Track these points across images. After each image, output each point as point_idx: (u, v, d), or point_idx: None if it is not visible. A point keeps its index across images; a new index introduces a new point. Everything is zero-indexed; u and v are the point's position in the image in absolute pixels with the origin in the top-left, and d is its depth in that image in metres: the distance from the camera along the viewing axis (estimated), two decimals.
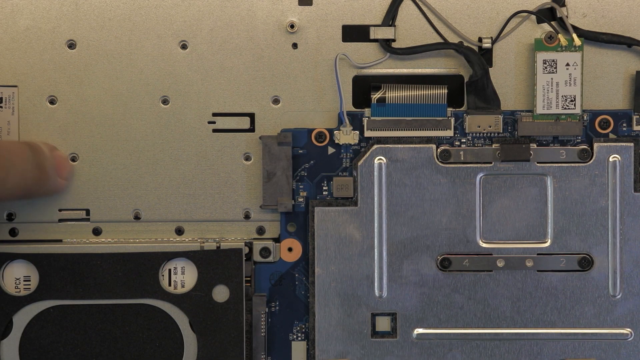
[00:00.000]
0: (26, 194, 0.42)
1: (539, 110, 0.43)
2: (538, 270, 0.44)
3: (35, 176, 0.41)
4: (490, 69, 0.44)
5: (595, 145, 0.44)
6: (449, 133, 0.44)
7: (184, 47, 0.43)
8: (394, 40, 0.44)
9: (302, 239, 0.44)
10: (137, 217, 0.44)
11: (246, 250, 0.44)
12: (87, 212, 0.44)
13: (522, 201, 0.44)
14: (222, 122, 0.44)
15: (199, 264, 0.43)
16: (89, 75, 0.44)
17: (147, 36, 0.43)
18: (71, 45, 0.43)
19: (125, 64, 0.43)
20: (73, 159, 0.44)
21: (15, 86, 0.44)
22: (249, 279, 0.44)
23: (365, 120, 0.44)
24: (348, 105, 0.44)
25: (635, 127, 0.44)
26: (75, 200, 0.44)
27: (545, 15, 0.44)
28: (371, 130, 0.44)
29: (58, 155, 0.43)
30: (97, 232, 0.44)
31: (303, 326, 0.45)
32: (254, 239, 0.44)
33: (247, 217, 0.44)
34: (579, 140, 0.44)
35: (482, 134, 0.44)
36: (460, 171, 0.44)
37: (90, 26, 0.43)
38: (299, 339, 0.45)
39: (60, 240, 0.44)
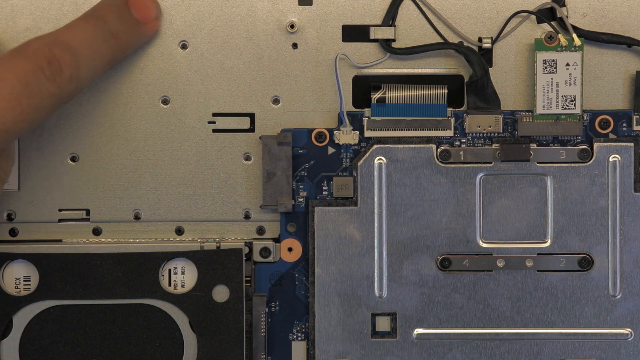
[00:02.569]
0: (110, 66, 0.42)
1: (539, 110, 0.43)
2: (538, 270, 0.44)
3: (111, 48, 0.41)
4: (490, 69, 0.44)
5: (595, 145, 0.44)
6: (449, 133, 0.44)
7: (184, 47, 0.44)
8: (394, 40, 0.44)
9: (302, 239, 0.44)
10: (137, 217, 0.44)
11: (246, 250, 0.44)
12: (87, 212, 0.44)
13: (522, 201, 0.44)
14: (222, 122, 0.44)
15: (199, 264, 0.43)
16: None
17: None
18: None
19: (125, 64, 0.43)
20: (73, 159, 0.44)
21: None
22: (249, 279, 0.44)
23: (365, 120, 0.44)
24: (348, 105, 0.44)
25: (635, 127, 0.44)
26: (75, 200, 0.44)
27: (545, 15, 0.44)
28: (371, 130, 0.44)
29: (135, 1, 0.42)
30: (97, 232, 0.44)
31: (303, 326, 0.45)
32: (254, 239, 0.44)
33: (247, 217, 0.44)
34: (579, 140, 0.44)
35: (482, 134, 0.44)
36: (460, 171, 0.44)
37: None
38: (299, 339, 0.45)
39: (60, 240, 0.44)
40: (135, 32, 0.42)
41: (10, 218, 0.44)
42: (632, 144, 0.43)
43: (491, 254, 0.44)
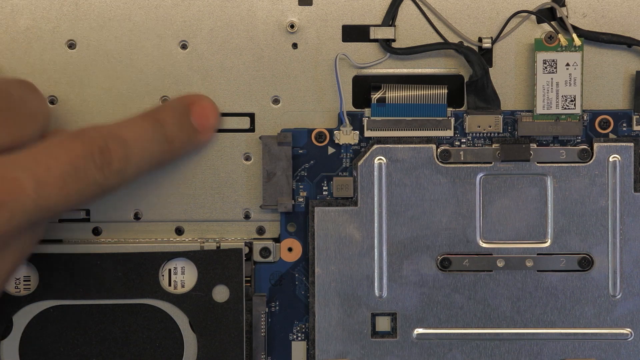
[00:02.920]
0: (157, 168, 0.43)
1: (539, 110, 0.43)
2: (538, 270, 0.44)
3: (163, 151, 0.42)
4: (490, 69, 0.44)
5: (595, 145, 0.44)
6: (449, 133, 0.44)
7: (184, 47, 0.44)
8: (394, 40, 0.44)
9: (302, 239, 0.44)
10: (137, 217, 0.44)
11: (246, 250, 0.44)
12: (87, 212, 0.44)
13: (522, 201, 0.44)
14: (222, 122, 0.44)
15: (199, 264, 0.43)
16: (89, 75, 0.44)
17: (147, 36, 0.44)
18: (71, 45, 0.44)
19: (125, 64, 0.44)
20: None
21: None
22: (249, 279, 0.44)
23: (365, 120, 0.44)
24: (348, 105, 0.44)
25: (635, 127, 0.44)
26: None
27: (545, 15, 0.44)
28: (371, 130, 0.44)
29: (197, 106, 0.43)
30: (97, 232, 0.44)
31: (303, 326, 0.45)
32: (254, 239, 0.45)
33: (247, 217, 0.45)
34: (579, 140, 0.44)
35: (482, 134, 0.44)
36: (460, 171, 0.44)
37: (90, 26, 0.44)
38: (299, 339, 0.45)
39: (61, 240, 0.44)
40: (191, 141, 0.43)
41: None
42: (632, 144, 0.44)
43: (491, 254, 0.44)
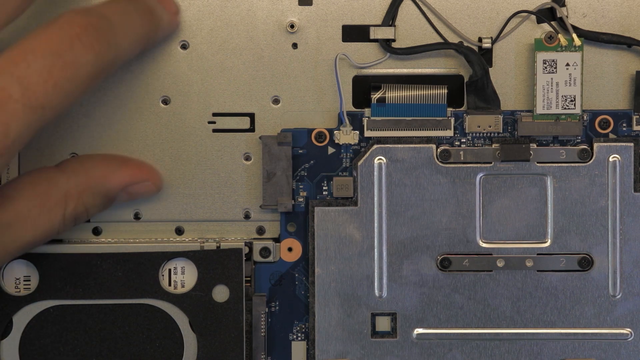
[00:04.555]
0: (145, 43, 0.41)
1: (539, 110, 0.43)
2: (538, 270, 0.44)
3: (145, 22, 0.40)
4: (490, 69, 0.44)
5: (595, 145, 0.44)
6: (449, 133, 0.44)
7: (183, 47, 0.44)
8: (394, 40, 0.44)
9: (302, 239, 0.45)
10: (137, 217, 0.44)
11: (246, 250, 0.44)
12: None
13: (522, 201, 0.44)
14: (222, 122, 0.44)
15: (199, 264, 0.43)
16: None
17: None
18: None
19: (125, 64, 0.44)
20: None
21: None
22: (249, 279, 0.44)
23: (365, 120, 0.44)
24: (348, 105, 0.44)
25: (635, 127, 0.44)
26: None
27: (545, 15, 0.44)
28: (371, 130, 0.44)
29: None
30: (97, 232, 0.45)
31: (303, 326, 0.45)
32: (254, 239, 0.45)
33: (247, 217, 0.45)
34: (579, 140, 0.44)
35: (482, 134, 0.44)
36: (460, 171, 0.44)
37: None
38: (299, 339, 0.45)
39: (61, 240, 0.44)
40: (164, 15, 0.42)
41: None
42: (632, 144, 0.44)
43: (491, 254, 0.44)
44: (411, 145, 0.44)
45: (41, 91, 0.36)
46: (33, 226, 0.39)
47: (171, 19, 0.42)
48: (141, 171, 0.43)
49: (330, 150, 0.44)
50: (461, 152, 0.44)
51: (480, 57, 0.43)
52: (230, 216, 0.45)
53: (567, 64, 0.43)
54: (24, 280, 0.43)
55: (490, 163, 0.44)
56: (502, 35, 0.44)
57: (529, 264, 0.44)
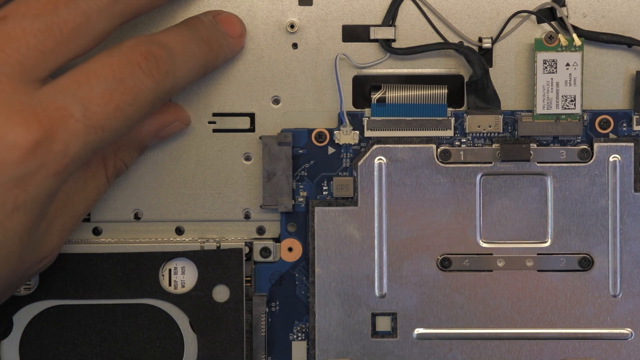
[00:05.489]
0: (203, 72, 0.42)
1: (539, 110, 0.43)
2: (538, 270, 0.44)
3: (203, 52, 0.42)
4: (490, 69, 0.44)
5: (595, 145, 0.44)
6: (449, 133, 0.44)
7: None
8: (394, 40, 0.44)
9: (302, 239, 0.45)
10: (137, 217, 0.45)
11: (246, 250, 0.44)
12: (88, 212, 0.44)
13: (522, 201, 0.44)
14: (222, 122, 0.44)
15: (199, 264, 0.44)
16: None
17: None
18: None
19: None
20: None
21: None
22: (249, 279, 0.44)
23: (365, 120, 0.44)
24: (348, 105, 0.44)
25: (636, 127, 0.44)
26: None
27: (546, 15, 0.44)
28: (371, 130, 0.44)
29: (222, 17, 0.43)
30: (97, 232, 0.45)
31: (303, 326, 0.45)
32: (254, 239, 0.45)
33: (247, 217, 0.45)
34: (579, 140, 0.44)
35: (482, 134, 0.44)
36: (460, 171, 0.44)
37: None
38: (299, 339, 0.45)
39: None
40: (225, 42, 0.43)
41: None
42: (632, 144, 0.44)
43: (491, 254, 0.44)
44: (411, 146, 0.44)
45: (102, 113, 0.37)
46: (83, 196, 0.41)
47: (234, 43, 0.43)
48: (168, 114, 0.43)
49: (331, 150, 0.44)
50: (461, 152, 0.44)
51: (481, 57, 0.43)
52: (231, 216, 0.45)
53: (567, 64, 0.43)
54: (27, 281, 0.42)
55: (491, 163, 0.44)
56: (502, 35, 0.44)
57: (529, 263, 0.44)
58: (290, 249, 0.45)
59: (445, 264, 0.44)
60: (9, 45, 0.37)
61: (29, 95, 0.37)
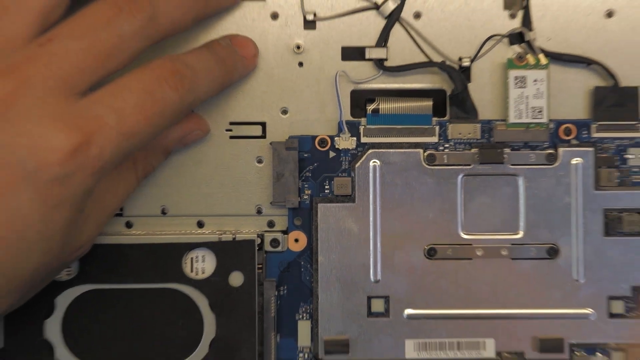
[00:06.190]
0: (221, 87, 0.44)
1: (512, 119, 0.45)
2: (512, 258, 0.46)
3: (221, 71, 0.43)
4: (469, 84, 0.46)
5: (560, 150, 0.45)
6: (434, 139, 0.46)
7: None
8: (386, 60, 0.46)
9: (307, 232, 0.46)
10: (163, 212, 0.46)
11: (258, 241, 0.45)
12: (121, 208, 0.46)
13: (498, 198, 0.46)
14: (238, 130, 0.46)
15: (217, 253, 0.45)
16: None
17: None
18: None
19: None
20: None
21: None
22: (260, 266, 0.45)
23: (361, 128, 0.46)
24: (347, 115, 0.46)
25: (594, 134, 0.46)
26: None
27: (516, 38, 0.46)
28: (367, 137, 0.46)
29: (238, 40, 0.44)
30: (129, 225, 0.46)
31: (308, 307, 0.46)
32: (265, 231, 0.46)
33: (259, 212, 0.46)
34: (546, 146, 0.46)
35: (462, 140, 0.46)
36: (444, 172, 0.46)
37: None
38: (304, 318, 0.46)
39: None
40: (241, 64, 0.45)
41: None
42: (592, 149, 0.45)
43: (471, 244, 0.46)
44: (401, 150, 0.45)
45: (134, 121, 0.38)
46: (116, 194, 0.43)
47: (247, 63, 0.45)
48: (191, 123, 0.45)
49: (332, 154, 0.46)
50: (445, 156, 0.46)
51: (461, 74, 0.45)
52: (245, 211, 0.46)
53: (535, 80, 0.45)
54: (66, 267, 0.45)
55: (470, 165, 0.46)
56: (479, 55, 0.46)
57: (503, 252, 0.46)
58: (296, 240, 0.46)
59: (431, 253, 0.46)
60: (54, 63, 0.38)
61: (70, 106, 0.38)
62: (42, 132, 0.37)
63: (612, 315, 0.46)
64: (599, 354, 0.46)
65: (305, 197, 0.46)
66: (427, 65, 0.46)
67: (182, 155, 0.47)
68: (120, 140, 0.38)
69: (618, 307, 0.46)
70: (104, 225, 0.42)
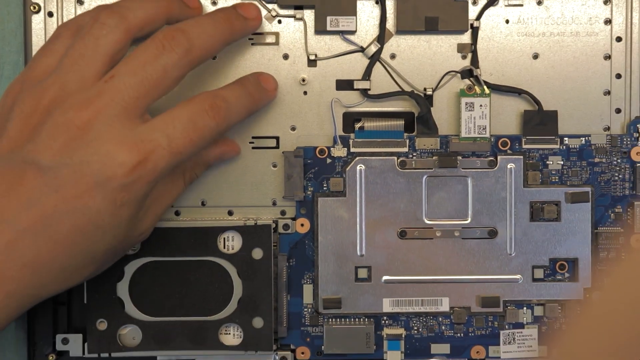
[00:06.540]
0: (249, 114, 0.51)
1: (463, 134, 0.54)
2: (462, 238, 0.54)
3: (249, 102, 0.50)
4: (432, 108, 0.54)
5: (499, 157, 0.54)
6: (405, 149, 0.54)
7: None
8: (369, 89, 0.54)
9: (310, 218, 0.54)
10: (203, 204, 0.55)
11: (273, 225, 0.54)
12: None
13: (452, 193, 0.54)
14: (258, 142, 0.55)
15: (243, 235, 0.53)
16: None
17: (201, 88, 0.54)
18: None
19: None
20: None
21: None
22: (275, 244, 0.53)
23: (351, 141, 0.54)
24: (340, 131, 0.54)
25: (524, 146, 0.55)
26: None
27: (467, 73, 0.55)
28: (355, 147, 0.54)
29: (262, 76, 0.52)
30: (177, 213, 0.55)
31: (311, 275, 0.55)
32: (279, 218, 0.54)
33: (274, 204, 0.55)
34: (488, 154, 0.54)
35: (426, 150, 0.54)
36: (413, 174, 0.54)
37: None
38: (308, 283, 0.55)
39: None
40: (264, 94, 0.52)
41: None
42: (521, 157, 0.54)
43: (432, 227, 0.54)
44: (380, 158, 0.53)
45: (181, 144, 0.45)
46: (168, 196, 0.51)
47: (270, 94, 0.53)
48: (227, 145, 0.53)
49: (329, 160, 0.54)
50: (413, 162, 0.54)
51: (425, 101, 0.54)
52: (263, 203, 0.55)
53: (481, 105, 0.54)
54: (132, 247, 0.53)
55: (432, 169, 0.54)
56: (439, 86, 0.54)
57: (456, 234, 0.54)
58: (302, 225, 0.54)
59: (402, 234, 0.54)
60: (117, 95, 0.45)
61: (132, 131, 0.44)
62: (111, 151, 0.44)
63: (535, 280, 0.55)
64: (525, 308, 0.56)
65: (308, 192, 0.54)
66: (400, 94, 0.55)
67: (217, 163, 0.56)
68: (170, 158, 0.45)
69: (539, 273, 0.55)
70: (160, 217, 0.50)
